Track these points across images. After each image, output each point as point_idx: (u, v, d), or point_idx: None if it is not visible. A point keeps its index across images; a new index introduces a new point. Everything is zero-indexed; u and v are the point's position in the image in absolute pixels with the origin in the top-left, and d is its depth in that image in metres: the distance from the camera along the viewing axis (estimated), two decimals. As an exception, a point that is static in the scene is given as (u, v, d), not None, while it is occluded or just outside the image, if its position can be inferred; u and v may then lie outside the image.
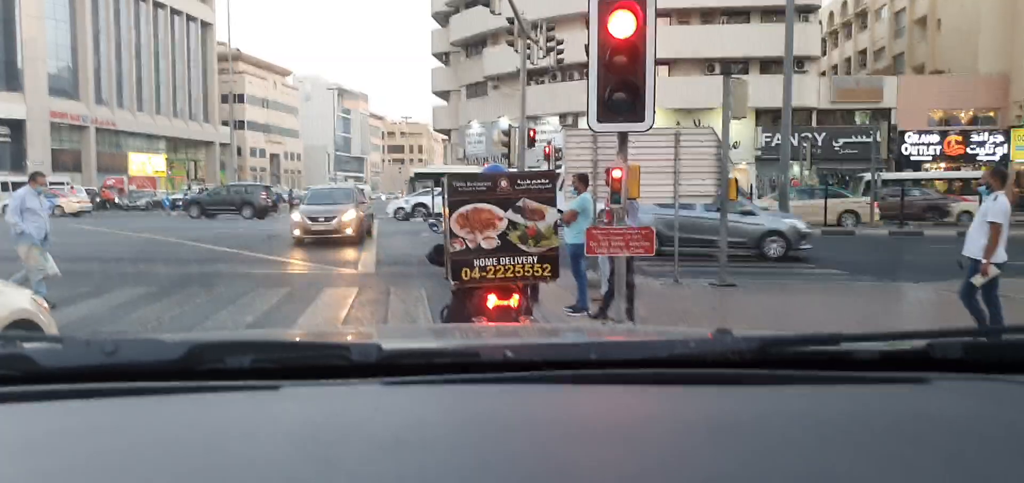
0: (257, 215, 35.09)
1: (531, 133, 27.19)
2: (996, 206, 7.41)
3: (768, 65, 42.04)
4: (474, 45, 53.88)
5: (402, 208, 35.60)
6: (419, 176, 40.79)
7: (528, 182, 4.66)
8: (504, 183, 4.61)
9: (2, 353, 1.21)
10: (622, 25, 5.54)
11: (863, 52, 59.32)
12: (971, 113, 42.87)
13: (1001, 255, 7.43)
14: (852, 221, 27.59)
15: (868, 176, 31.13)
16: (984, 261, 7.37)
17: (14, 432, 0.94)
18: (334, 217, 19.76)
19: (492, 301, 4.60)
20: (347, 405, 1.02)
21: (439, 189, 5.18)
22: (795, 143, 34.02)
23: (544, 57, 26.56)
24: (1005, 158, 39.70)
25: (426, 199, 32.96)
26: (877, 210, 28.07)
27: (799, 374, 1.11)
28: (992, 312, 7.54)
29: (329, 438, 0.87)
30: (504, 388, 1.07)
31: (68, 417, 0.97)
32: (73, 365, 1.10)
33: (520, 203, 4.56)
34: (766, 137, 41.94)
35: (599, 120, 5.73)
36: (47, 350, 1.16)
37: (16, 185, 41.79)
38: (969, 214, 21.17)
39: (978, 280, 7.45)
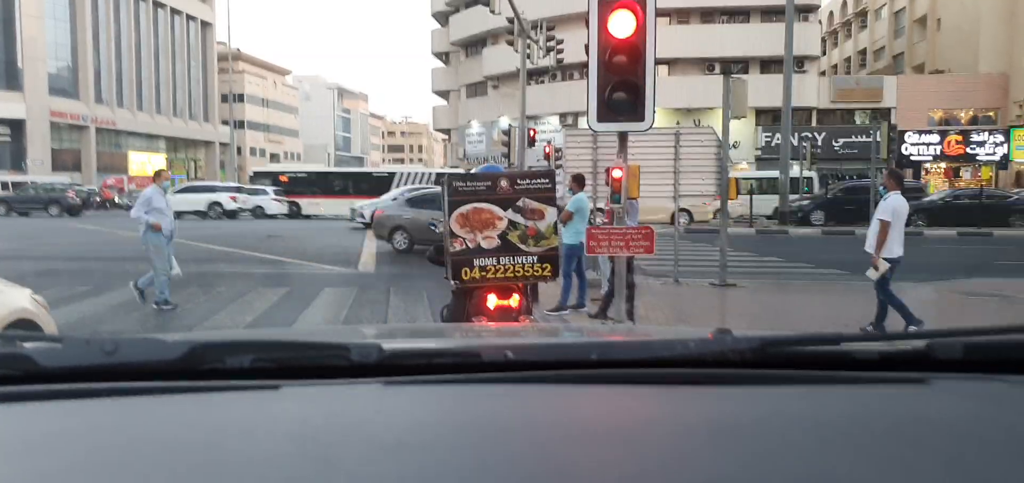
0: (68, 213, 36.07)
1: (531, 133, 27.19)
2: (886, 205, 7.91)
3: (768, 65, 42.07)
4: (474, 45, 53.89)
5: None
6: (257, 175, 41.32)
7: (528, 182, 4.66)
8: (504, 183, 4.61)
9: (2, 353, 1.21)
10: (622, 25, 5.54)
11: (863, 52, 59.33)
12: (971, 113, 42.88)
13: (896, 250, 7.88)
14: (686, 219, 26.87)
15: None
16: (873, 255, 7.88)
17: (14, 432, 0.94)
18: None
19: (492, 301, 4.59)
20: (347, 405, 1.02)
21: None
22: (795, 143, 34.05)
23: (544, 57, 26.57)
24: (1005, 158, 39.74)
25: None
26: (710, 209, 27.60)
27: (799, 374, 1.11)
28: (881, 302, 8.03)
29: (329, 438, 0.87)
30: (505, 388, 1.07)
31: (68, 417, 0.97)
32: (73, 365, 1.10)
33: (520, 203, 4.56)
34: (766, 137, 41.96)
35: (599, 120, 5.73)
36: (47, 349, 1.16)
37: (15, 185, 42.01)
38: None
39: (871, 274, 7.93)
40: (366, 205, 27.53)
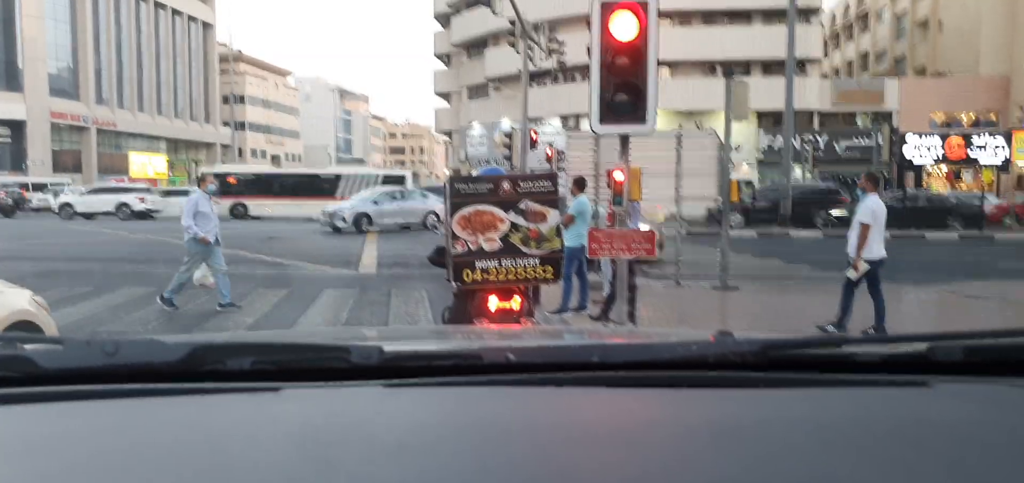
0: (1, 213, 36.23)
1: (533, 135, 27.17)
2: (865, 207, 8.01)
3: (770, 67, 42.05)
4: (476, 46, 53.93)
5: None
6: (214, 175, 41.05)
7: (530, 184, 4.66)
8: (506, 185, 4.61)
9: (2, 354, 1.21)
10: (624, 27, 5.53)
11: (865, 54, 59.31)
12: (972, 115, 42.83)
13: (879, 251, 7.97)
14: None
15: None
16: (854, 257, 7.95)
17: (15, 434, 0.94)
18: None
19: (494, 303, 4.59)
20: (348, 407, 1.01)
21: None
22: (797, 145, 34.04)
23: (546, 59, 26.57)
24: (1007, 161, 39.68)
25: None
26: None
27: (800, 377, 1.11)
28: (876, 305, 8.09)
29: (330, 440, 0.87)
30: (506, 390, 1.07)
31: (69, 418, 0.97)
32: (74, 366, 1.10)
33: (522, 205, 4.56)
34: (768, 139, 41.95)
35: (601, 122, 5.72)
36: (48, 351, 1.16)
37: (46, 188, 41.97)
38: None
39: (851, 274, 8.00)
40: (345, 207, 26.91)
